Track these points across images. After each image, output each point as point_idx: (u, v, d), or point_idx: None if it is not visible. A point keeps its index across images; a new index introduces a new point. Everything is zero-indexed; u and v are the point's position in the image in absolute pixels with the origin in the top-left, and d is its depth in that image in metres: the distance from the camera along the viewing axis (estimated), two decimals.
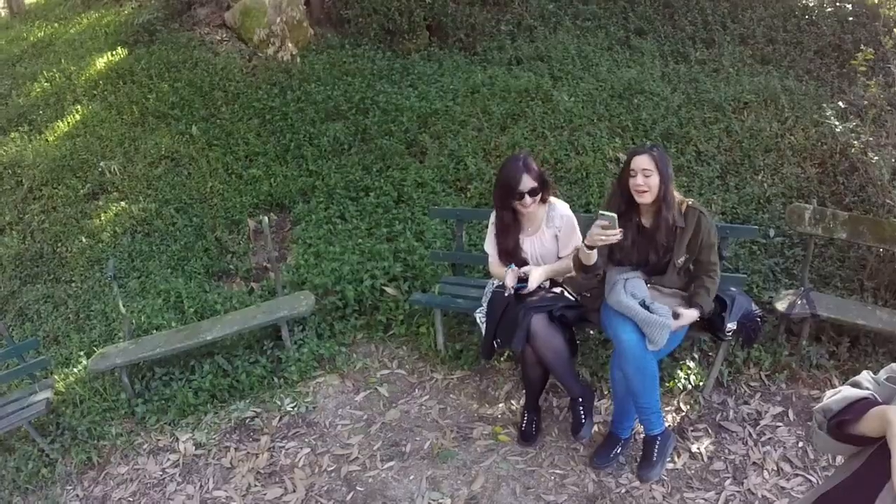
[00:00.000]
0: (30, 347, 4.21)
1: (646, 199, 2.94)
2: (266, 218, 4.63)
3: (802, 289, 4.06)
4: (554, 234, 3.43)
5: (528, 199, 3.27)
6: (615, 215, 2.78)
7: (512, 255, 3.46)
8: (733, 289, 3.31)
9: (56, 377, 4.53)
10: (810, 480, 3.17)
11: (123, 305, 4.62)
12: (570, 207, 3.51)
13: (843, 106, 5.38)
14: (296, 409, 4.05)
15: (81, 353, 4.78)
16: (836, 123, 5.13)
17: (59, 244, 5.95)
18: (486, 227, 3.66)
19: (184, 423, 4.08)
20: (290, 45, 8.03)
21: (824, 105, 5.64)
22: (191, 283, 5.21)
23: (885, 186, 4.56)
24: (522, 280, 3.28)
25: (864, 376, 1.23)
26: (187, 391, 4.19)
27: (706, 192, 5.15)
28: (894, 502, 0.89)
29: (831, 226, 4.08)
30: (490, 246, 3.57)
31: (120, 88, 7.64)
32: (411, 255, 4.96)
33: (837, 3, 7.61)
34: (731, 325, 3.08)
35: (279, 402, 4.10)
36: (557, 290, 3.45)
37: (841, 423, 1.10)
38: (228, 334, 4.27)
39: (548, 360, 3.20)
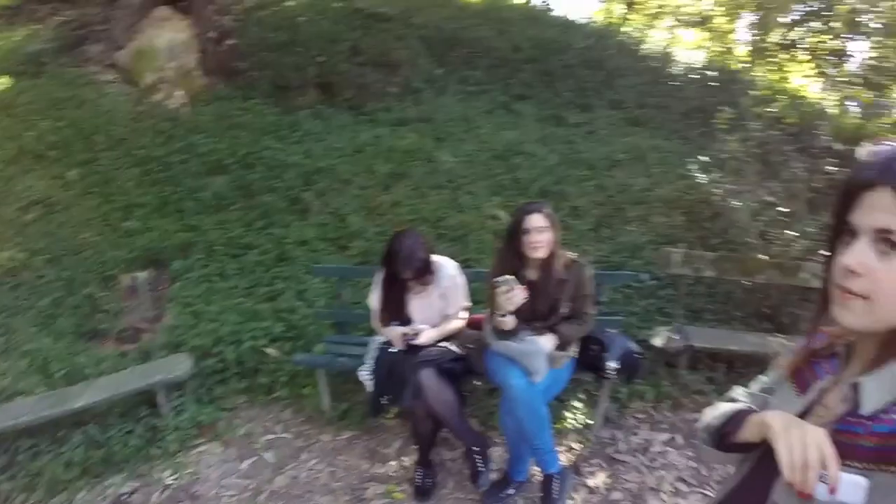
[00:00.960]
0: None
1: (540, 254, 3.08)
2: (142, 275, 4.40)
3: (676, 324, 4.41)
4: (440, 294, 3.47)
5: (411, 277, 3.37)
6: (512, 277, 2.90)
7: (397, 313, 3.49)
8: (612, 331, 3.51)
9: None
10: (707, 495, 3.32)
11: None
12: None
13: (705, 160, 5.91)
14: (177, 481, 3.70)
15: None
16: (700, 175, 5.68)
17: None
18: (370, 284, 3.66)
19: (55, 502, 3.62)
20: (179, 92, 7.77)
21: (688, 160, 6.18)
22: (59, 344, 4.74)
23: (746, 227, 5.11)
24: (411, 340, 3.33)
25: (738, 391, 1.32)
26: (57, 465, 3.73)
27: (581, 243, 5.41)
28: (787, 494, 0.94)
29: (699, 266, 4.51)
30: (375, 302, 3.56)
31: None
32: (293, 315, 4.82)
33: (701, 70, 8.44)
34: (613, 364, 3.25)
35: (158, 475, 3.74)
36: (443, 344, 3.46)
37: (724, 436, 1.17)
38: (100, 401, 3.93)
39: (440, 414, 3.19)
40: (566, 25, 10.35)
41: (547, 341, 3.12)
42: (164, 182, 6.44)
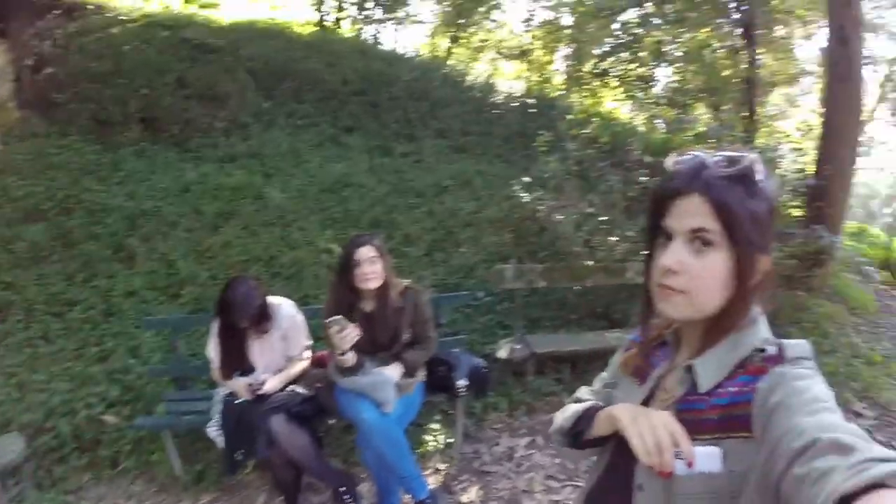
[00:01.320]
0: None
1: (373, 285, 3.08)
2: None
3: (518, 335, 4.65)
4: (281, 336, 3.36)
5: (249, 326, 3.25)
6: (340, 317, 2.87)
7: (239, 362, 3.32)
8: (456, 350, 3.60)
9: None
10: (578, 485, 3.45)
11: None
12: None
13: (528, 180, 6.30)
14: None
15: None
16: (524, 195, 6.06)
17: None
18: (206, 333, 3.47)
19: None
20: None
21: (512, 182, 6.53)
22: None
23: (571, 238, 5.57)
24: (256, 390, 3.18)
25: (582, 390, 1.38)
26: None
27: (416, 269, 5.51)
28: (649, 476, 0.99)
29: (530, 278, 4.80)
30: (213, 353, 3.35)
31: None
32: (127, 375, 4.34)
33: (521, 98, 8.93)
34: (462, 382, 3.33)
35: None
36: (290, 387, 3.34)
37: (577, 435, 1.21)
38: None
39: (297, 459, 3.08)
40: (393, 58, 10.65)
41: (393, 370, 3.13)
42: None
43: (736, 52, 11.03)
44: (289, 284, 5.31)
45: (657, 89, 12.36)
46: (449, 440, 3.98)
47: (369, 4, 12.68)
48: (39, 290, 5.15)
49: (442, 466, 3.81)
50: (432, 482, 3.59)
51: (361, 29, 12.77)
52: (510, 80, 12.46)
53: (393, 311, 3.16)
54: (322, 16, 12.59)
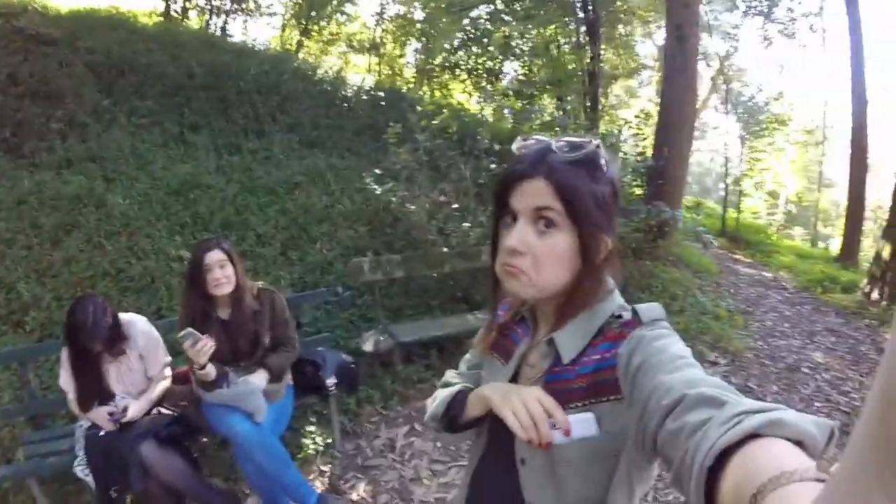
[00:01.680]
0: None
1: (225, 290, 3.00)
2: None
3: (381, 326, 4.74)
4: (138, 355, 3.13)
5: (102, 349, 3.00)
6: (189, 329, 2.74)
7: (96, 391, 3.04)
8: (321, 348, 3.62)
9: None
10: (463, 465, 3.51)
11: None
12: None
13: (379, 172, 6.39)
14: None
15: None
16: (376, 187, 6.13)
17: None
18: (58, 361, 3.18)
19: None
20: None
21: (364, 174, 6.57)
22: None
23: (425, 227, 5.78)
24: (119, 418, 2.96)
25: (449, 374, 1.41)
26: None
27: (272, 269, 5.44)
28: (530, 450, 1.04)
29: (388, 269, 4.90)
30: (67, 383, 3.07)
31: None
32: None
33: (372, 91, 8.97)
34: (331, 380, 3.37)
35: None
36: (155, 410, 3.17)
37: (452, 419, 1.24)
38: None
39: (176, 486, 2.93)
40: (242, 51, 10.25)
41: (258, 378, 3.07)
42: None
43: (580, 47, 11.68)
44: (140, 298, 5.01)
45: (505, 82, 12.94)
46: (328, 440, 3.96)
47: None
48: None
49: (326, 468, 3.78)
50: (319, 486, 3.58)
51: (209, 20, 12.18)
52: (361, 74, 12.48)
53: (250, 316, 3.10)
54: (168, 5, 11.87)
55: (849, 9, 11.54)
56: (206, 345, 2.76)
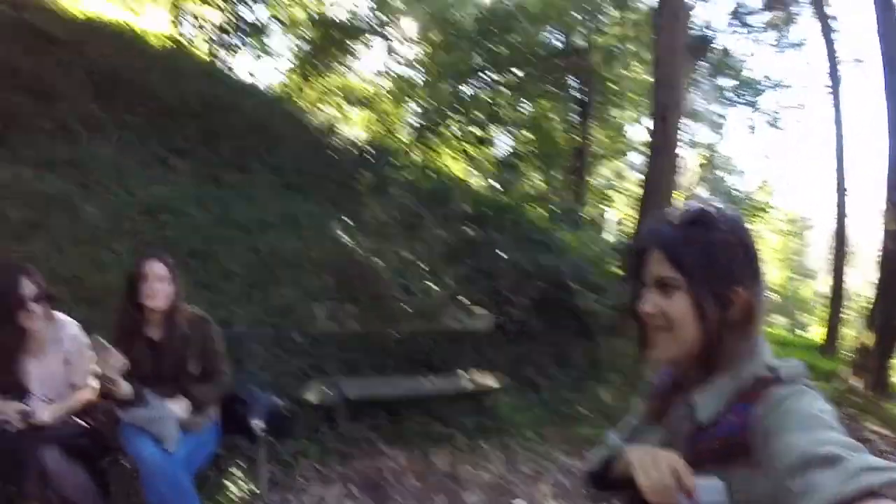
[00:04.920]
0: None
1: (159, 303, 2.94)
2: None
3: (331, 379, 4.59)
4: (63, 358, 2.98)
5: (33, 306, 2.81)
6: (97, 336, 2.72)
7: (12, 382, 2.87)
8: (255, 389, 3.42)
9: None
10: None
11: None
12: (90, 330, 3.09)
13: (351, 223, 6.39)
14: None
15: None
16: (347, 239, 6.13)
17: None
18: None
19: None
20: None
21: (334, 224, 6.55)
22: None
23: (389, 282, 5.69)
24: (29, 419, 2.78)
25: (611, 435, 1.40)
26: None
27: (231, 305, 5.31)
28: None
29: (343, 320, 4.83)
30: None
31: None
32: None
33: (360, 145, 9.20)
34: (258, 422, 3.16)
35: None
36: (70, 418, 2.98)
37: (604, 479, 1.28)
38: None
39: (74, 502, 2.68)
40: (240, 87, 10.43)
41: (177, 405, 2.93)
42: None
43: (571, 125, 12.10)
44: (93, 311, 4.69)
45: (495, 150, 13.32)
46: (255, 489, 3.73)
47: (229, 28, 12.44)
48: None
49: None
50: None
51: (216, 52, 12.44)
52: (355, 127, 12.75)
53: (179, 339, 3.02)
54: (179, 31, 12.17)
55: (834, 102, 12.26)
56: (116, 358, 2.68)
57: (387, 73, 15.08)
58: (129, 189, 6.56)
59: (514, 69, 13.05)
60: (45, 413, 2.82)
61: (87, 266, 5.29)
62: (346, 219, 6.52)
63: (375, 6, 14.06)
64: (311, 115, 10.85)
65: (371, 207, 6.38)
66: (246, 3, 12.72)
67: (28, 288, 2.82)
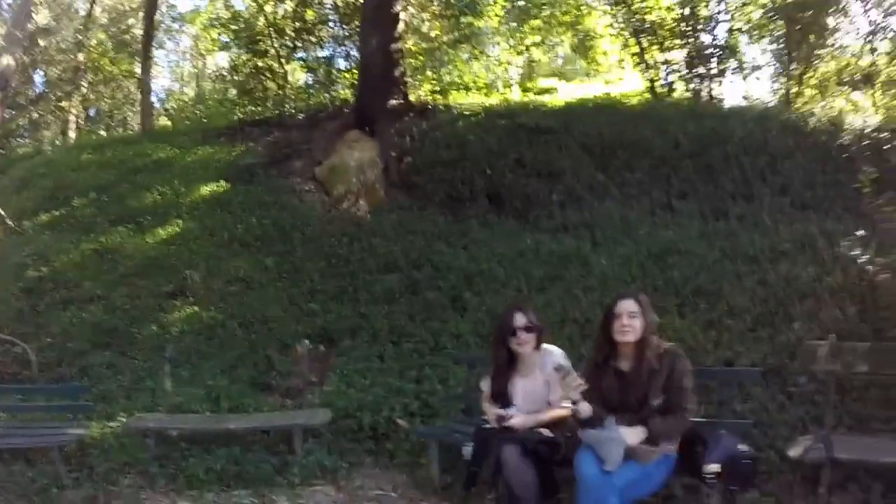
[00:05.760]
0: (83, 392, 5.23)
1: (628, 338, 3.12)
2: (314, 346, 5.53)
3: (821, 433, 3.63)
4: (545, 380, 3.51)
5: (522, 335, 3.50)
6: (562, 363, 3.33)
7: (502, 394, 3.60)
8: (722, 431, 3.18)
9: (94, 424, 5.03)
10: None
11: (170, 385, 5.56)
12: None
13: (863, 234, 5.37)
14: None
15: (123, 415, 5.27)
16: (862, 256, 5.20)
17: (134, 325, 6.91)
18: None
19: (187, 494, 4.36)
20: (362, 202, 9.19)
21: (852, 240, 5.66)
22: (234, 386, 5.75)
23: None
24: (503, 422, 3.38)
25: None
26: (200, 468, 4.52)
27: (735, 344, 5.00)
28: None
29: (850, 359, 3.88)
30: (485, 384, 3.74)
31: (216, 214, 9.03)
32: (432, 397, 5.23)
33: (875, 134, 7.84)
34: (713, 467, 2.93)
35: (277, 499, 4.28)
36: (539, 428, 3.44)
37: None
38: (249, 428, 4.92)
39: (516, 494, 3.11)
40: (726, 114, 9.99)
41: (632, 433, 2.99)
42: (345, 275, 7.53)
43: None
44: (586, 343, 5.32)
45: None
46: None
47: (698, 62, 12.02)
48: (385, 322, 6.60)
49: None
50: None
51: (693, 88, 12.07)
52: (862, 114, 10.25)
53: (647, 372, 3.10)
54: (652, 83, 12.51)
55: None
56: (576, 381, 3.04)
57: (881, 28, 11.36)
58: (635, 239, 7.11)
59: None
60: (516, 420, 3.38)
61: (596, 309, 5.76)
62: (863, 232, 5.51)
63: None
64: (810, 118, 9.17)
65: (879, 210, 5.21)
66: (704, 30, 12.27)
67: (520, 320, 3.52)
